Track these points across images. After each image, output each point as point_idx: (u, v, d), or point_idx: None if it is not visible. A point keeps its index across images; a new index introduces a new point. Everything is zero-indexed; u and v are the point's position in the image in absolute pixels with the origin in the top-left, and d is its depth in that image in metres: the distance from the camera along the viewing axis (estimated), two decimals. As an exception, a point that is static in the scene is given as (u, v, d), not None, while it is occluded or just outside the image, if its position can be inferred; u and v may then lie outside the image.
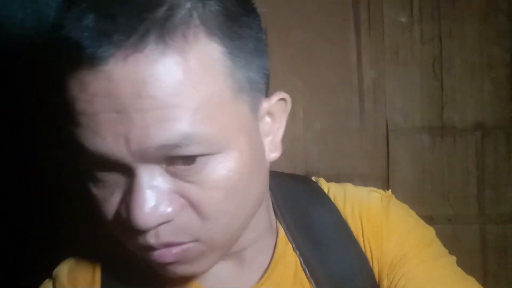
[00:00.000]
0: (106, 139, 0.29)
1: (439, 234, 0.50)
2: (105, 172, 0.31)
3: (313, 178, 0.49)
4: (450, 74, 0.84)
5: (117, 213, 0.32)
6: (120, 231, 0.34)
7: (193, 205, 0.31)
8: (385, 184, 0.86)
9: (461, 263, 0.49)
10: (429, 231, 0.46)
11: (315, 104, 0.83)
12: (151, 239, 0.32)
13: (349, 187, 0.48)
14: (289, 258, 0.42)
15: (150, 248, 0.32)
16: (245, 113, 0.33)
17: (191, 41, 0.29)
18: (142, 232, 0.31)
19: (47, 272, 0.44)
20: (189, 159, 0.30)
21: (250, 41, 0.32)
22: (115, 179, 0.32)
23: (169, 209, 0.31)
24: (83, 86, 0.29)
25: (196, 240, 0.33)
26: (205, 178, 0.31)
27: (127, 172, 0.31)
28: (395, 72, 0.84)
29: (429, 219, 0.85)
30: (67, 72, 0.29)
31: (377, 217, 0.44)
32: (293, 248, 0.42)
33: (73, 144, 0.31)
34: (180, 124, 0.29)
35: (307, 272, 0.42)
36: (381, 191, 0.48)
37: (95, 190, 0.33)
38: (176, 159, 0.30)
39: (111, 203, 0.32)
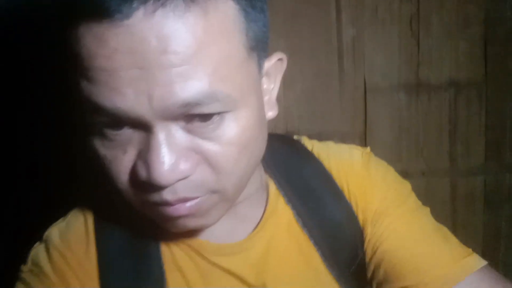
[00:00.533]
0: (126, 96, 0.28)
1: (413, 187, 0.53)
2: (117, 131, 0.31)
3: (295, 137, 0.51)
4: (427, 32, 0.84)
5: (131, 171, 0.32)
6: (131, 189, 0.33)
7: (208, 161, 0.32)
8: (363, 141, 0.88)
9: (433, 214, 0.53)
10: (406, 186, 0.50)
11: (296, 64, 0.83)
12: (167, 195, 0.32)
13: (331, 144, 0.50)
14: (282, 211, 0.44)
15: (165, 204, 0.33)
16: (254, 71, 0.34)
17: None
18: (159, 188, 0.32)
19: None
20: (207, 117, 0.31)
21: None
22: (127, 137, 0.31)
23: (188, 166, 0.31)
24: (103, 41, 0.28)
25: (209, 193, 0.34)
26: (220, 134, 0.32)
27: (144, 129, 0.31)
28: (374, 31, 0.84)
29: (404, 174, 0.87)
30: (84, 27, 0.28)
31: (359, 173, 0.47)
32: (285, 201, 0.45)
33: (85, 102, 0.30)
34: (202, 82, 0.29)
35: (300, 222, 0.44)
36: (361, 148, 0.50)
37: (104, 150, 0.32)
38: (194, 117, 0.31)
39: (123, 162, 0.32)
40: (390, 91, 0.86)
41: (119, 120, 0.30)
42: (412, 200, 0.49)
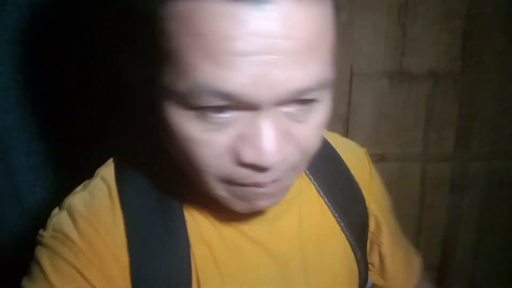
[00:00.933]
0: (251, 81, 0.28)
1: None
2: (221, 114, 0.31)
3: None
4: (413, 22, 0.87)
5: (228, 153, 0.32)
6: (218, 171, 0.33)
7: (298, 143, 0.33)
8: (345, 125, 0.91)
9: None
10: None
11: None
12: (263, 177, 0.33)
13: (338, 136, 0.56)
14: (308, 189, 0.48)
15: (255, 185, 0.34)
16: None
17: None
18: (260, 170, 0.32)
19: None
20: (309, 102, 0.32)
21: None
22: (229, 121, 0.31)
23: (289, 149, 0.32)
24: (241, 24, 0.27)
25: (291, 173, 0.35)
26: (312, 118, 0.33)
27: (250, 113, 0.30)
28: (364, 18, 0.86)
29: (381, 157, 0.93)
30: (220, 6, 0.27)
31: (366, 169, 0.53)
32: (311, 180, 0.48)
33: (202, 84, 0.29)
34: (317, 69, 0.30)
35: (326, 199, 0.48)
36: (359, 145, 0.56)
37: (198, 133, 0.31)
38: (299, 102, 0.31)
39: (220, 144, 0.32)
40: (374, 78, 0.89)
41: (234, 104, 0.30)
42: (387, 196, 0.57)
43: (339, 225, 0.48)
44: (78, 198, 0.41)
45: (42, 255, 0.38)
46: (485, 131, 0.96)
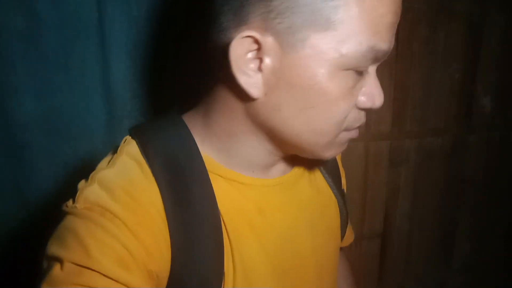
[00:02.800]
0: (391, 42, 0.41)
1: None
2: (358, 76, 0.41)
3: None
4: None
5: (359, 96, 0.42)
6: (343, 119, 0.42)
7: None
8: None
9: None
10: None
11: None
12: (364, 118, 0.45)
13: None
14: (310, 161, 0.54)
15: (358, 127, 0.45)
16: None
17: None
18: (366, 113, 0.44)
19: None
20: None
21: None
22: (356, 81, 0.41)
23: None
24: (389, 5, 0.38)
25: None
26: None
27: (372, 68, 0.42)
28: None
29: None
30: None
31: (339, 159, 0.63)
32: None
33: (365, 48, 0.38)
34: None
35: (321, 169, 0.57)
36: None
37: (343, 90, 0.40)
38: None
39: (353, 98, 0.42)
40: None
41: (377, 60, 0.41)
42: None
43: (332, 191, 0.57)
44: (109, 173, 0.41)
45: (77, 224, 0.38)
46: (416, 112, 1.09)
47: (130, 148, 0.44)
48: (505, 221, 1.30)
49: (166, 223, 0.40)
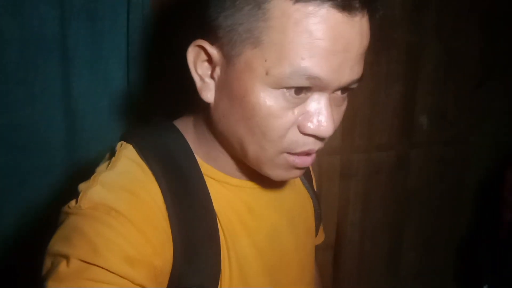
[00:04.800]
0: (334, 71, 0.39)
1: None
2: (298, 95, 0.41)
3: None
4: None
5: (293, 126, 0.42)
6: (281, 141, 0.42)
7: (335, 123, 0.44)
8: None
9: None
10: None
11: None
12: (314, 145, 0.43)
13: None
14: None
15: (306, 153, 0.44)
16: None
17: None
18: (315, 139, 0.43)
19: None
20: (348, 90, 0.44)
21: None
22: (301, 100, 0.41)
23: (336, 125, 0.44)
24: (338, 29, 0.38)
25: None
26: (343, 104, 0.44)
27: (317, 94, 0.41)
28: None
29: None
30: (328, 13, 0.37)
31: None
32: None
33: (301, 70, 0.38)
34: (362, 66, 0.43)
35: (305, 183, 0.61)
36: None
37: (278, 109, 0.41)
38: (343, 89, 0.43)
39: (290, 118, 0.42)
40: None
41: (315, 85, 0.40)
42: None
43: (308, 192, 0.61)
44: (110, 174, 0.43)
45: (82, 223, 0.38)
46: (363, 129, 1.18)
47: (128, 152, 0.46)
48: (446, 230, 1.41)
49: (168, 220, 0.42)
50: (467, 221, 1.47)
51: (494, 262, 1.29)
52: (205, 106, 0.46)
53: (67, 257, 0.37)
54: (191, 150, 0.48)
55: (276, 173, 0.46)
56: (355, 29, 0.40)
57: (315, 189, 0.67)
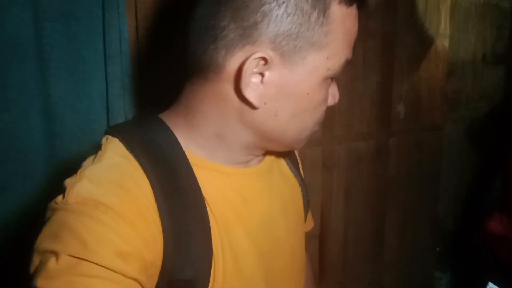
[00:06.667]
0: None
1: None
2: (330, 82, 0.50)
3: None
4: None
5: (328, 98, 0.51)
6: (320, 114, 0.51)
7: None
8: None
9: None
10: None
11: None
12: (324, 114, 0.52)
13: None
14: (278, 154, 0.60)
15: (322, 120, 0.52)
16: None
17: None
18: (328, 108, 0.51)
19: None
20: None
21: None
22: (328, 84, 0.50)
23: None
24: (355, 21, 0.48)
25: None
26: None
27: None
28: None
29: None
30: (351, 9, 0.46)
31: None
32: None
33: (338, 59, 0.47)
34: None
35: (287, 160, 0.62)
36: None
37: (327, 89, 0.50)
38: None
39: (325, 97, 0.50)
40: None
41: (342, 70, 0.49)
42: None
43: (296, 179, 0.63)
44: (97, 168, 0.42)
45: (70, 219, 0.38)
46: (343, 119, 1.20)
47: (114, 145, 0.46)
48: (426, 215, 1.46)
49: (158, 212, 0.42)
50: (446, 205, 1.52)
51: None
52: (237, 108, 0.47)
53: (56, 254, 0.36)
54: (178, 141, 0.48)
55: (301, 144, 0.54)
56: (357, 22, 0.49)
57: (302, 176, 0.68)
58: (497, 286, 0.80)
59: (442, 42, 1.37)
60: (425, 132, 1.39)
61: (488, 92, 1.54)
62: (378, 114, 1.27)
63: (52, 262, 0.36)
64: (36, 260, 0.37)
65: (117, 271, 0.37)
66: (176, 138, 0.49)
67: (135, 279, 0.39)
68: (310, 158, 1.16)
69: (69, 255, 0.36)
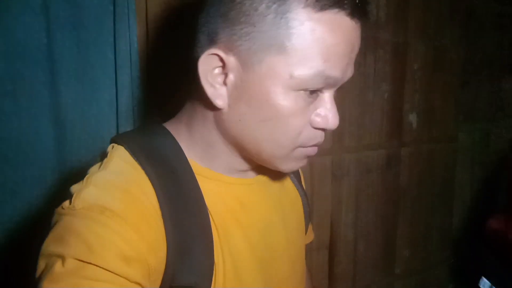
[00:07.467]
0: (342, 70, 0.44)
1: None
2: (310, 96, 0.44)
3: None
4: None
5: (311, 118, 0.46)
6: (297, 136, 0.46)
7: None
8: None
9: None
10: None
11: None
12: (321, 138, 0.48)
13: None
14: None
15: (314, 145, 0.48)
16: None
17: None
18: (322, 132, 0.47)
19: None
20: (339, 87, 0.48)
21: None
22: (310, 101, 0.45)
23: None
24: (346, 33, 0.43)
25: None
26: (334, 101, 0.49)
27: (328, 92, 0.46)
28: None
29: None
30: (339, 18, 0.42)
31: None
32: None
33: (318, 73, 0.43)
34: None
35: (294, 181, 0.61)
36: None
37: (295, 109, 0.44)
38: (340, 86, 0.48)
39: (306, 116, 0.46)
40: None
41: (330, 84, 0.45)
42: None
43: (298, 191, 0.62)
44: (103, 175, 0.43)
45: (77, 224, 0.38)
46: (353, 129, 1.19)
47: (120, 152, 0.46)
48: (439, 226, 1.43)
49: (161, 218, 0.43)
50: (459, 217, 1.48)
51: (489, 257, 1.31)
52: (212, 111, 0.48)
53: (62, 257, 0.37)
54: (182, 150, 0.49)
55: (288, 166, 0.50)
56: (357, 33, 0.45)
57: (304, 187, 0.68)
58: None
59: (457, 51, 1.35)
60: (438, 143, 1.37)
61: (505, 103, 1.51)
62: (389, 124, 1.25)
63: (58, 265, 0.36)
64: (42, 263, 0.38)
65: (122, 275, 0.38)
66: (179, 146, 0.49)
67: (138, 284, 0.39)
68: (319, 168, 1.15)
69: (75, 259, 0.37)
